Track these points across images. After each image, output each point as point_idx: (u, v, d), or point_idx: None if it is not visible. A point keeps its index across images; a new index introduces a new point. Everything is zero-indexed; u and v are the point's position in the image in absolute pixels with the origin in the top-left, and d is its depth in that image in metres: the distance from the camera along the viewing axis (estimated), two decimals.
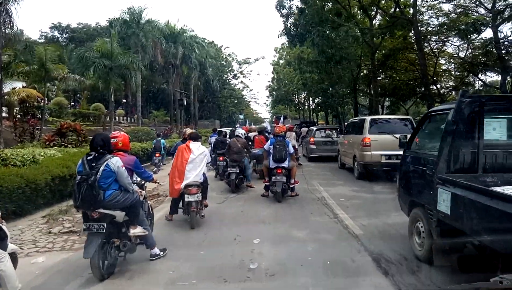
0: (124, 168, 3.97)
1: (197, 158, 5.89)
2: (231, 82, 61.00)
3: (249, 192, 8.97)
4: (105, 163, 3.76)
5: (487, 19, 10.62)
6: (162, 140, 14.96)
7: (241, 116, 68.44)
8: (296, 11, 17.11)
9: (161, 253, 4.44)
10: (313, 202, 7.46)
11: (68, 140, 11.54)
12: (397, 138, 5.15)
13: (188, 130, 8.36)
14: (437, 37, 17.01)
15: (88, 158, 3.81)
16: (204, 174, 6.06)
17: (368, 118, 10.80)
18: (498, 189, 3.16)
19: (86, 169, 3.71)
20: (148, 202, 5.22)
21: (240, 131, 9.69)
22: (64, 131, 11.63)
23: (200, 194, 5.78)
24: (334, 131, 16.16)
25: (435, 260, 3.80)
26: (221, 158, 10.18)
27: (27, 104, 20.86)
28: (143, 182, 4.92)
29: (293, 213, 6.62)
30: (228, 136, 12.25)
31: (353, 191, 8.60)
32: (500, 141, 3.89)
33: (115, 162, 3.84)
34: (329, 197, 7.83)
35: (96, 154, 3.83)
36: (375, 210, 6.48)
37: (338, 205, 7.05)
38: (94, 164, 3.74)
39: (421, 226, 4.12)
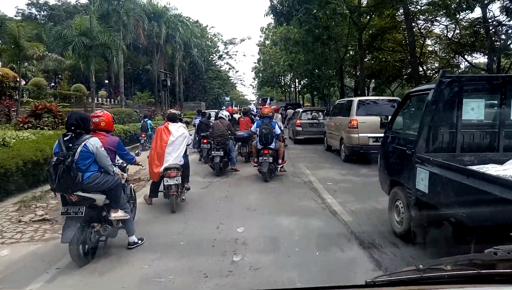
0: (104, 148, 3.78)
1: (177, 140, 5.71)
2: (216, 63, 60.00)
3: (234, 175, 8.69)
4: (83, 143, 3.56)
5: None
6: (149, 121, 15.10)
7: (227, 98, 67.70)
8: None
9: (139, 241, 4.21)
10: (300, 186, 7.23)
11: (44, 122, 10.93)
12: (406, 120, 4.96)
13: (173, 111, 8.05)
14: (425, 16, 16.68)
15: (65, 138, 3.59)
16: (184, 156, 5.92)
17: (356, 99, 10.53)
18: (473, 167, 3.24)
19: (63, 150, 3.51)
20: (130, 185, 5.05)
21: (224, 113, 9.33)
22: (39, 112, 10.98)
23: (180, 177, 5.61)
24: (320, 113, 15.98)
25: (414, 238, 3.86)
26: (205, 141, 9.81)
27: (3, 85, 19.92)
28: (125, 164, 4.74)
29: (279, 198, 6.37)
30: (213, 118, 11.85)
31: (340, 174, 8.41)
32: (477, 121, 3.95)
33: (94, 142, 3.64)
34: (316, 181, 7.61)
35: (73, 134, 3.61)
36: (363, 194, 6.28)
37: (325, 190, 6.82)
38: (71, 145, 3.54)
39: (400, 205, 4.21)
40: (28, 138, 8.69)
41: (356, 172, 8.54)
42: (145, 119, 15.23)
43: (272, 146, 7.77)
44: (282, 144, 8.77)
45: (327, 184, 7.35)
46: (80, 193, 3.60)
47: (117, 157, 4.46)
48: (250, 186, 7.39)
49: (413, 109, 4.74)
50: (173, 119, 6.04)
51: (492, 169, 3.17)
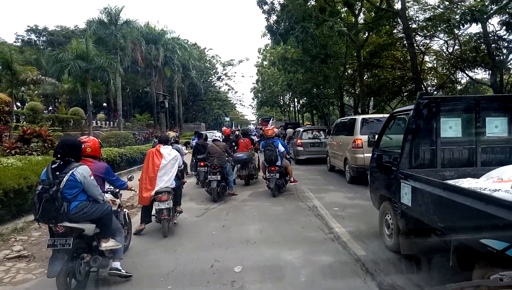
0: (93, 177, 3.62)
1: (169, 163, 5.65)
2: (215, 84, 60.11)
3: (232, 201, 8.10)
4: (71, 172, 3.41)
5: (489, 7, 9.99)
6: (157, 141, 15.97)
7: (227, 119, 67.72)
8: (279, 7, 16.30)
9: (123, 271, 3.87)
10: (304, 213, 6.63)
11: (32, 148, 10.41)
12: (391, 138, 5.20)
13: (172, 134, 7.94)
14: (424, 32, 16.44)
15: (53, 166, 3.45)
16: (176, 179, 5.88)
17: (359, 118, 10.06)
18: (451, 181, 3.47)
19: (50, 179, 3.35)
20: (125, 210, 4.86)
21: (217, 134, 8.83)
22: (27, 137, 10.45)
23: (171, 201, 5.57)
24: (321, 132, 15.59)
25: (402, 249, 4.00)
26: (202, 164, 9.28)
27: None
28: (117, 191, 4.59)
29: (282, 228, 5.76)
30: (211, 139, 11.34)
31: (347, 198, 7.82)
32: (456, 138, 4.19)
33: (82, 171, 3.48)
34: (322, 207, 7.03)
35: (61, 162, 3.47)
36: (374, 222, 5.63)
37: (332, 217, 6.24)
38: (58, 173, 3.39)
39: (390, 218, 4.47)
40: (13, 164, 8.15)
41: (363, 195, 7.92)
42: (156, 140, 15.34)
43: (278, 163, 8.32)
44: (288, 163, 8.97)
45: (334, 209, 6.76)
46: (67, 224, 3.41)
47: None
48: (250, 213, 6.80)
49: (397, 128, 4.96)
50: (165, 141, 6.05)
51: (466, 183, 3.36)
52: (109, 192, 4.37)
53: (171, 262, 4.29)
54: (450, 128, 4.12)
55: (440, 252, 3.26)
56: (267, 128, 12.42)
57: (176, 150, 6.43)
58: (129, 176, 5.20)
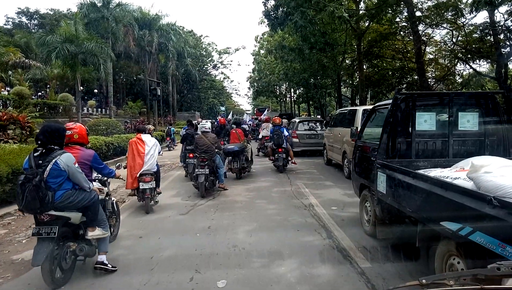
0: (77, 165, 3.54)
1: (151, 149, 6.20)
2: (211, 73, 59.03)
3: (221, 197, 7.48)
4: (54, 160, 3.30)
5: None
6: (172, 128, 20.68)
7: (222, 108, 66.90)
8: None
9: (109, 266, 3.76)
10: (300, 212, 6.00)
11: (9, 135, 9.65)
12: (372, 130, 5.39)
13: (151, 127, 8.65)
14: (429, 19, 15.68)
15: (35, 154, 3.34)
16: (157, 164, 6.49)
17: (360, 108, 9.40)
18: (422, 171, 3.70)
19: (32, 167, 3.27)
20: (113, 198, 4.81)
21: (207, 125, 8.15)
22: (3, 123, 9.66)
23: (154, 182, 6.23)
24: (318, 124, 15.01)
25: (378, 234, 4.38)
26: (191, 155, 8.58)
27: None
28: (105, 179, 4.55)
29: (275, 230, 5.12)
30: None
31: (346, 195, 7.19)
32: (430, 131, 4.44)
33: (66, 159, 3.37)
34: (319, 205, 6.41)
35: (44, 150, 3.35)
36: None
37: (330, 217, 5.63)
38: (41, 162, 3.29)
39: (368, 205, 4.81)
40: None
41: None
42: (169, 126, 20.92)
43: (284, 146, 10.08)
44: (291, 147, 10.73)
45: (332, 209, 6.16)
46: (52, 212, 3.35)
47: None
48: (240, 212, 6.16)
49: (377, 120, 5.16)
50: (143, 130, 6.55)
51: (433, 172, 3.59)
52: (96, 180, 4.31)
53: (145, 274, 3.65)
54: (425, 121, 4.36)
55: (411, 237, 3.44)
56: (275, 117, 13.67)
57: None
58: (118, 164, 5.30)
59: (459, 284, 1.20)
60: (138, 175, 6.02)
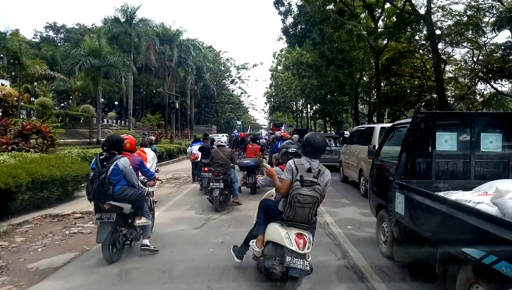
0: (131, 167, 4.52)
1: (151, 159, 6.57)
2: (228, 87, 59.72)
3: (235, 211, 7.45)
4: (115, 162, 4.29)
5: None
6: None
7: (239, 122, 67.25)
8: (296, 9, 15.65)
9: (153, 247, 4.76)
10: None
11: (31, 144, 9.92)
12: (391, 149, 5.36)
13: (152, 138, 10.31)
14: (449, 38, 15.56)
15: (101, 157, 4.35)
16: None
17: (378, 126, 9.29)
18: (442, 193, 3.62)
19: (99, 167, 4.26)
20: (151, 198, 5.62)
21: (223, 139, 8.24)
22: (26, 133, 9.96)
23: (156, 187, 6.90)
24: (332, 140, 15.14)
25: (395, 256, 4.21)
26: (206, 169, 8.61)
27: (6, 104, 19.35)
28: (146, 180, 5.37)
29: None
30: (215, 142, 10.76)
31: (362, 214, 7.05)
32: (451, 151, 4.33)
33: (123, 162, 4.36)
34: (334, 223, 6.30)
35: (107, 154, 4.36)
36: None
37: (345, 236, 5.51)
38: (105, 163, 4.27)
39: (385, 226, 4.63)
40: (5, 161, 7.63)
41: None
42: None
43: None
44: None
45: (347, 228, 6.04)
46: (111, 202, 4.30)
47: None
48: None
49: (396, 139, 5.13)
50: (146, 145, 7.26)
51: (454, 195, 3.47)
52: (139, 182, 4.92)
53: (157, 288, 3.64)
54: (446, 141, 4.26)
55: (429, 260, 3.33)
56: (284, 132, 14.35)
57: (154, 150, 8.30)
58: (157, 169, 6.32)
59: None
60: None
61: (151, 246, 4.71)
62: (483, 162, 4.40)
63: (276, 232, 3.52)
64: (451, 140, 4.27)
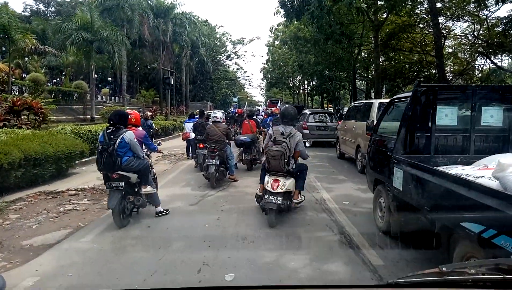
0: (136, 140, 4.88)
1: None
2: (224, 63, 58.78)
3: (231, 187, 7.41)
4: (121, 136, 4.66)
5: None
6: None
7: (235, 99, 66.64)
8: None
9: (165, 211, 5.37)
10: (311, 207, 5.85)
11: (23, 120, 9.72)
12: (389, 124, 5.25)
13: (148, 113, 10.65)
14: (450, 11, 15.21)
15: (108, 131, 4.73)
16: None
17: (376, 102, 9.15)
18: (442, 168, 3.53)
19: (106, 140, 4.64)
20: (153, 169, 5.90)
21: (218, 115, 8.12)
22: (17, 109, 9.72)
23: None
24: (328, 116, 15.36)
25: (392, 231, 4.20)
26: (201, 146, 8.53)
27: None
28: (149, 153, 5.79)
29: (285, 223, 5.00)
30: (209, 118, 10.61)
31: (359, 190, 7.03)
32: (451, 126, 4.25)
33: (129, 135, 4.75)
34: (330, 200, 6.28)
35: (114, 128, 4.72)
36: None
37: (342, 212, 5.49)
38: (112, 136, 4.64)
39: (383, 201, 4.60)
40: None
41: None
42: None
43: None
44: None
45: (344, 203, 6.02)
46: (119, 172, 4.70)
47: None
48: (250, 203, 6.03)
49: (395, 114, 5.06)
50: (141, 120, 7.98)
51: (454, 169, 3.43)
52: (144, 153, 5.29)
53: (152, 265, 3.59)
54: (446, 116, 4.17)
55: (426, 234, 3.32)
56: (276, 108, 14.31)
57: (149, 125, 9.46)
58: (158, 142, 6.77)
59: (480, 273, 1.18)
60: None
61: (163, 211, 5.31)
62: (483, 136, 4.33)
63: (265, 180, 4.95)
64: (452, 114, 4.18)
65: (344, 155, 11.19)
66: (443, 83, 12.88)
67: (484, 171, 3.02)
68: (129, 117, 5.18)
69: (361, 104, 10.87)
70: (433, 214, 3.19)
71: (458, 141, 4.37)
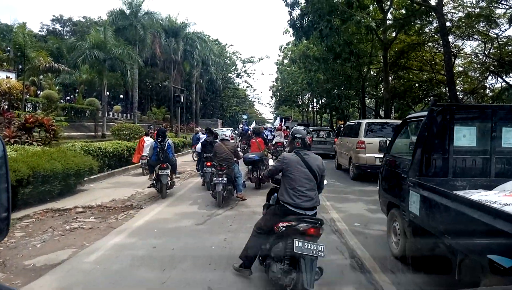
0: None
1: (147, 144, 10.38)
2: (234, 81, 59.35)
3: (240, 207, 7.29)
4: (167, 142, 8.14)
5: None
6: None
7: (244, 116, 66.96)
8: (303, 0, 15.32)
9: (176, 178, 9.24)
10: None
11: (34, 137, 9.83)
12: (403, 145, 5.17)
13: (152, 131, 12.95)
14: (460, 30, 15.17)
15: (158, 140, 8.11)
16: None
17: (364, 122, 11.07)
18: (461, 192, 3.35)
19: (159, 145, 8.01)
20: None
21: (227, 134, 8.05)
22: (29, 126, 9.85)
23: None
24: (326, 132, 18.19)
25: (408, 258, 4.01)
26: (208, 164, 8.43)
27: (11, 97, 19.33)
28: None
29: None
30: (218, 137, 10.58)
31: (370, 211, 6.84)
32: (470, 147, 4.06)
33: (170, 142, 8.30)
34: (340, 220, 6.12)
35: (162, 138, 8.12)
36: None
37: (352, 234, 5.33)
38: (161, 143, 8.04)
39: (397, 226, 4.37)
40: None
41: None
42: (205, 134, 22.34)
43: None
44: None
45: (354, 225, 5.85)
46: (167, 163, 7.96)
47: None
48: None
49: (409, 134, 5.03)
50: (147, 134, 12.19)
51: (476, 195, 3.24)
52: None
53: (156, 288, 3.49)
54: (464, 136, 4.00)
55: (446, 264, 3.14)
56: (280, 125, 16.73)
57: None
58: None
59: None
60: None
61: (175, 179, 9.14)
62: (504, 158, 4.12)
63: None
64: (470, 135, 4.00)
65: (341, 166, 12.92)
66: (454, 102, 12.75)
67: (511, 198, 2.83)
68: (166, 132, 8.79)
69: (353, 123, 12.67)
70: (454, 242, 2.99)
71: (478, 164, 4.15)
